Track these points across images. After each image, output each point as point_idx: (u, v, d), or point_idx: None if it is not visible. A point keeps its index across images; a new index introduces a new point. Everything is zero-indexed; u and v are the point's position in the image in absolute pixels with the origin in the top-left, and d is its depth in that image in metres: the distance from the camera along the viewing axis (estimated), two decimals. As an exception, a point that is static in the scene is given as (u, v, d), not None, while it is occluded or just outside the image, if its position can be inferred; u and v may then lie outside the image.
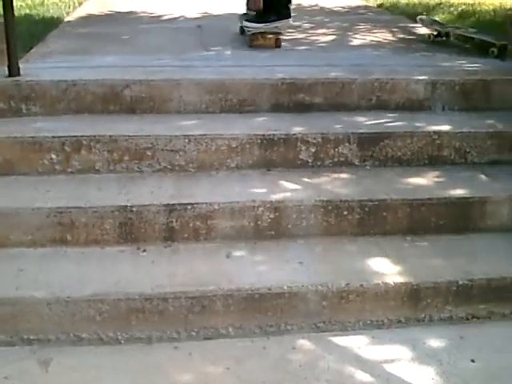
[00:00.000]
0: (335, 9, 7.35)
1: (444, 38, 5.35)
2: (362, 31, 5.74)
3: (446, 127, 3.64)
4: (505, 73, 4.17)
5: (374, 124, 3.65)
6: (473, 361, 2.61)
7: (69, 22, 5.85)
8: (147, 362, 2.58)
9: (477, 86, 3.96)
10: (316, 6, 7.53)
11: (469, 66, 4.38)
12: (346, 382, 2.47)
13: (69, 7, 6.62)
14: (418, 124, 3.68)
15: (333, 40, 5.33)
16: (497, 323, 2.89)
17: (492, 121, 3.78)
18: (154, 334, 2.72)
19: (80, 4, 6.93)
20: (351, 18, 6.43)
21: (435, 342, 2.72)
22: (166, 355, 2.61)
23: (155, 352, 2.63)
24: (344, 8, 7.42)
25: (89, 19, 6.07)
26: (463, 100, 3.95)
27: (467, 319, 2.90)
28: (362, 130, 3.53)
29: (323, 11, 7.08)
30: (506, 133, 3.67)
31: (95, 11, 6.46)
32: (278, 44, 4.76)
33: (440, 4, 6.94)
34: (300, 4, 7.33)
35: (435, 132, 3.58)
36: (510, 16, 5.27)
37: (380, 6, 7.54)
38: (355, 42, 5.27)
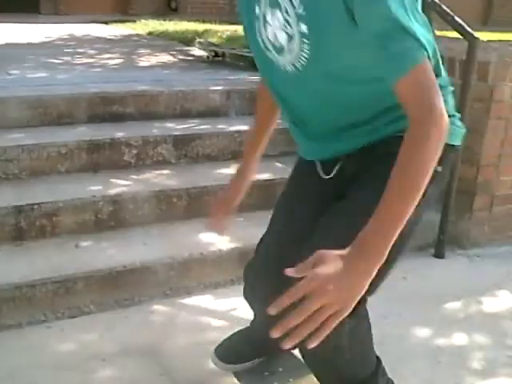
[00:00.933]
0: (109, 37, 7.83)
1: (221, 58, 6.07)
2: (145, 55, 6.28)
3: (244, 127, 4.28)
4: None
5: (184, 128, 4.19)
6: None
7: None
8: (25, 341, 2.85)
9: (261, 93, 4.66)
10: (88, 35, 7.97)
11: (251, 78, 5.09)
12: (205, 328, 2.96)
13: None
14: (220, 126, 4.29)
15: (122, 62, 5.81)
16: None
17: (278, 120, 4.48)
18: (24, 320, 2.98)
19: None
20: (130, 45, 6.96)
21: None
22: (40, 334, 2.89)
23: (29, 334, 2.90)
24: (117, 36, 7.93)
25: None
26: (253, 105, 4.61)
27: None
28: (176, 133, 4.05)
29: (100, 40, 7.52)
30: (291, 128, 4.39)
31: None
32: None
33: (207, 30, 7.69)
34: (72, 34, 7.74)
35: (236, 131, 4.21)
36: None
37: (150, 33, 8.16)
38: (144, 64, 5.80)
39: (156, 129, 4.09)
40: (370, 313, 2.92)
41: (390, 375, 2.40)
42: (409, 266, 3.66)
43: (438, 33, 5.35)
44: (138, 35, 8.05)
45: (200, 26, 8.19)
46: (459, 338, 3.07)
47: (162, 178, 3.80)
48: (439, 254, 3.94)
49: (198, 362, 2.73)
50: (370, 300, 3.08)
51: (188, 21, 9.21)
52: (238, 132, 4.20)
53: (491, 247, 4.06)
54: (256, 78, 4.97)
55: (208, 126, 4.24)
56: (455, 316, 3.28)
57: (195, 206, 3.70)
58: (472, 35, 3.68)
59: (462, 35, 3.73)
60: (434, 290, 3.53)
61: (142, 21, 9.09)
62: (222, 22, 8.95)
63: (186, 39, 7.04)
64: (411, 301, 3.37)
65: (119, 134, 3.90)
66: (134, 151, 3.89)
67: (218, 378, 2.63)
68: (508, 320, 3.27)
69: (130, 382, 2.59)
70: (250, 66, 5.72)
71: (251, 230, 3.53)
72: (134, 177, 3.76)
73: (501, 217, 4.11)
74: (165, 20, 9.22)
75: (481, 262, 3.91)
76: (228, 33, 7.42)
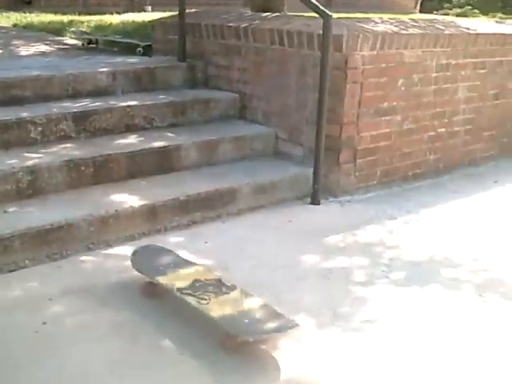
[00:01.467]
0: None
1: (95, 45, 6.47)
2: (22, 45, 6.55)
3: (134, 102, 4.74)
4: (160, 62, 5.44)
5: (80, 106, 4.58)
6: (206, 242, 3.79)
7: None
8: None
9: (145, 73, 5.16)
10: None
11: (131, 61, 5.54)
12: (130, 270, 3.41)
13: None
14: (111, 102, 4.72)
15: (2, 53, 6.06)
16: (208, 223, 4.10)
17: (163, 96, 5.00)
18: (-34, 276, 3.32)
19: None
20: (1, 36, 7.15)
21: (176, 240, 3.82)
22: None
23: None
24: (-17, 30, 8.06)
25: None
26: (137, 84, 5.11)
27: (189, 224, 4.05)
28: (75, 110, 4.45)
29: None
30: (176, 102, 4.93)
31: None
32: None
33: (71, 21, 8.01)
34: None
35: (128, 106, 4.66)
36: (140, 25, 6.59)
37: (16, 25, 8.35)
38: (24, 53, 6.09)
39: (55, 108, 4.45)
40: (266, 248, 3.57)
41: (291, 292, 3.13)
42: (291, 213, 4.33)
43: (291, 13, 6.04)
44: (3, 27, 8.21)
45: (63, 18, 8.47)
46: (343, 261, 3.72)
47: (68, 150, 4.18)
48: (315, 202, 4.60)
49: (132, 294, 3.21)
50: (264, 238, 3.72)
51: (45, 12, 9.43)
52: (129, 107, 4.66)
53: (358, 194, 4.78)
54: (134, 60, 5.45)
55: (101, 103, 4.66)
56: (337, 246, 3.94)
57: (102, 172, 4.13)
58: (326, 13, 4.33)
59: (317, 13, 4.38)
60: (316, 228, 4.18)
61: (4, 14, 9.21)
62: (79, 13, 9.27)
63: (55, 30, 7.36)
64: (299, 237, 4.01)
65: (24, 114, 4.25)
66: (40, 128, 4.25)
67: (155, 301, 3.13)
68: (379, 246, 3.96)
69: (79, 313, 3.02)
70: (123, 50, 6.18)
71: (155, 190, 4.07)
72: (43, 150, 4.13)
73: (364, 168, 4.84)
74: (25, 12, 9.38)
75: (351, 205, 4.62)
76: (94, 22, 7.78)
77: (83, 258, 3.59)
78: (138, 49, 6.07)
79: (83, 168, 4.06)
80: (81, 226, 3.65)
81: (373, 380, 2.66)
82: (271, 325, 2.81)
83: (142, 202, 3.90)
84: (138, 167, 4.28)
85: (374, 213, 4.47)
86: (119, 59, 5.61)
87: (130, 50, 6.16)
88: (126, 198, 3.93)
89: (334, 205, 4.60)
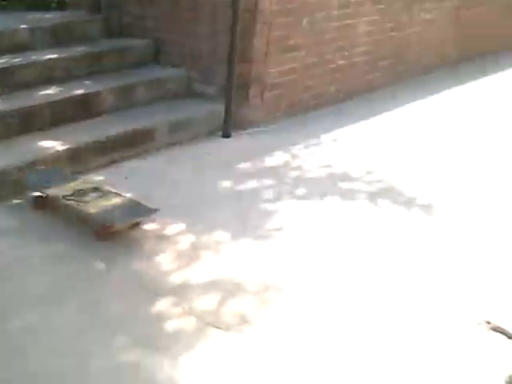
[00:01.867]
0: None
1: (5, 1, 6.62)
2: None
3: (53, 56, 5.04)
4: (75, 16, 5.74)
5: (1, 62, 4.84)
6: (126, 178, 4.20)
7: None
8: None
9: (62, 27, 5.46)
10: None
11: (47, 16, 5.81)
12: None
13: None
14: (32, 57, 5.01)
15: None
16: (129, 161, 4.51)
17: (81, 48, 5.31)
18: None
19: None
20: None
21: (99, 178, 4.19)
22: None
23: None
24: None
25: None
26: (55, 38, 5.40)
27: (110, 163, 4.43)
28: (-3, 67, 4.74)
29: None
30: (94, 52, 5.27)
31: None
32: None
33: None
34: None
35: (49, 59, 4.97)
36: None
37: None
38: None
39: (-23, 66, 4.73)
40: (183, 178, 3.95)
41: (207, 212, 3.63)
42: (205, 146, 4.79)
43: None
44: None
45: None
46: (253, 184, 4.21)
47: (-9, 104, 4.49)
48: (226, 135, 5.04)
49: (65, 229, 3.61)
50: (180, 170, 4.11)
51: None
52: (50, 60, 4.97)
53: (266, 125, 5.25)
54: (50, 15, 5.72)
55: (21, 59, 4.93)
56: (247, 171, 4.42)
57: (27, 122, 4.45)
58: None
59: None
60: (228, 158, 4.65)
61: None
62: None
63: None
64: (213, 167, 4.47)
65: None
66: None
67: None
68: (284, 169, 4.47)
69: (18, 249, 3.41)
70: (37, 6, 6.37)
71: (77, 135, 4.45)
72: (-31, 106, 4.43)
73: (271, 101, 5.29)
74: None
75: (259, 136, 5.10)
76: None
77: (17, 201, 3.93)
78: (52, 4, 6.30)
79: (10, 120, 4.37)
80: (12, 172, 3.99)
81: (282, 273, 3.17)
82: (137, 213, 3.64)
83: (66, 147, 4.26)
84: (60, 115, 4.61)
85: (279, 141, 4.96)
86: (36, 15, 5.84)
87: (43, 5, 6.36)
88: (51, 144, 4.28)
89: (243, 136, 5.06)
